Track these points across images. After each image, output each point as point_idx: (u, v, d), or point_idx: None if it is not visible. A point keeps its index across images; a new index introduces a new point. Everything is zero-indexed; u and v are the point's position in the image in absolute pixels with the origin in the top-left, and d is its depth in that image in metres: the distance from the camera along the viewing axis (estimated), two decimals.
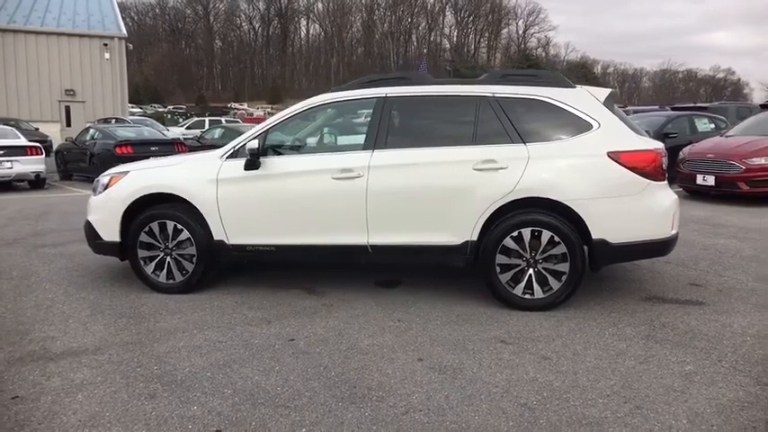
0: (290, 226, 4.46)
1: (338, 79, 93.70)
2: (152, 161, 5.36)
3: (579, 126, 4.16)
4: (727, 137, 10.02)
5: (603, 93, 4.32)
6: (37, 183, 12.36)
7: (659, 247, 4.19)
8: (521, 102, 4.24)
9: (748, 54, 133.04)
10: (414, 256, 4.40)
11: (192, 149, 13.05)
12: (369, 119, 4.45)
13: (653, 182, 4.08)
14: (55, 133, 22.03)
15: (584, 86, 4.36)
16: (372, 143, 4.36)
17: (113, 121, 21.11)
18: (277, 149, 4.62)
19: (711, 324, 3.95)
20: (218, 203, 4.50)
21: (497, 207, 4.13)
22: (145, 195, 4.64)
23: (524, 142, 4.17)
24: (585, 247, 4.15)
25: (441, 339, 3.75)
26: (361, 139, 4.52)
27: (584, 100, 4.22)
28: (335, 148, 5.04)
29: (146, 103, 60.05)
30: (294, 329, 3.95)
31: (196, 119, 30.81)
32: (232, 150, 4.59)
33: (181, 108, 55.89)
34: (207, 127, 24.70)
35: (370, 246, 4.36)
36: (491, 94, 4.29)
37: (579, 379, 3.18)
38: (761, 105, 15.90)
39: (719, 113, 14.14)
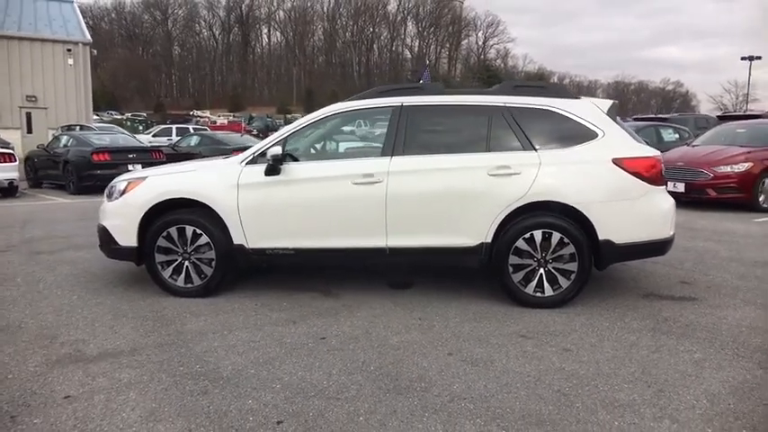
0: (310, 229, 4.61)
1: (299, 87, 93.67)
2: (167, 167, 5.42)
3: (585, 134, 4.46)
4: (693, 146, 10.64)
5: (606, 104, 4.65)
6: (9, 191, 12.05)
7: (659, 247, 4.52)
8: (531, 111, 4.52)
9: (695, 67, 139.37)
10: (430, 257, 4.61)
11: (169, 157, 12.95)
12: (386, 127, 4.65)
13: (653, 186, 4.42)
14: (16, 140, 21.35)
15: (588, 98, 4.68)
16: (391, 150, 4.56)
17: (78, 128, 20.64)
18: (296, 156, 4.77)
19: (708, 317, 4.29)
20: (238, 208, 4.61)
21: (511, 210, 4.39)
22: (164, 201, 4.71)
23: (535, 149, 4.45)
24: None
25: (464, 335, 3.96)
26: (377, 146, 4.72)
27: (589, 110, 4.53)
28: (354, 155, 5.22)
29: (102, 110, 58.57)
30: (321, 329, 4.10)
31: (162, 126, 30.35)
32: (252, 156, 4.72)
33: (140, 115, 54.77)
34: (174, 134, 24.44)
35: (389, 248, 4.55)
36: (503, 104, 4.56)
37: (602, 367, 3.44)
38: (718, 117, 16.84)
39: (681, 124, 14.92)
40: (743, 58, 46.13)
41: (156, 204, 4.73)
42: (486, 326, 4.14)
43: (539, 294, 4.47)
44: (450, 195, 4.45)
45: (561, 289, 4.44)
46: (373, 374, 3.37)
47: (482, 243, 4.46)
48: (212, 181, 4.72)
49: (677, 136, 13.09)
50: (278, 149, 4.54)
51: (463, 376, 3.34)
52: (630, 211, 4.38)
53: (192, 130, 23.82)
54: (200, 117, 56.03)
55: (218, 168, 4.88)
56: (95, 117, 43.09)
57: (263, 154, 4.65)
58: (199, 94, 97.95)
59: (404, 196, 4.48)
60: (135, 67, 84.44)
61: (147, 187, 4.81)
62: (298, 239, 4.64)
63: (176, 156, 13.56)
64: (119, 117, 51.60)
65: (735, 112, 29.22)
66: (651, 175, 4.41)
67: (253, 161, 4.71)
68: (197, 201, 4.68)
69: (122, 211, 4.83)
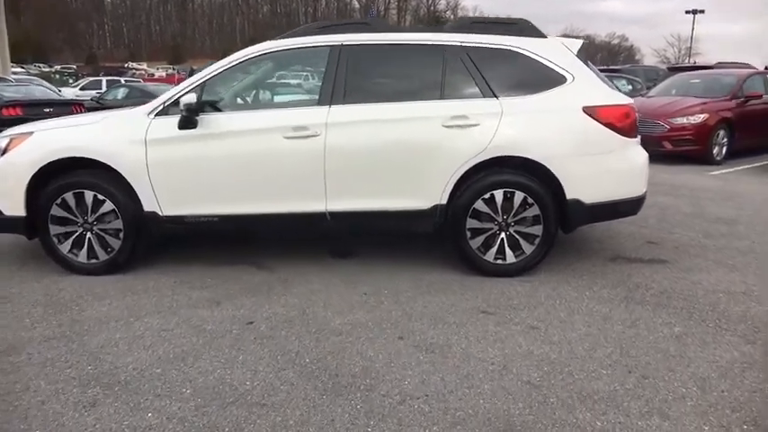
0: (236, 193, 3.92)
1: (243, 38, 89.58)
2: (61, 120, 4.54)
3: (553, 79, 3.89)
4: (648, 97, 10.32)
5: (576, 44, 4.07)
6: None
7: (632, 206, 4.07)
8: (492, 52, 3.90)
9: (639, 21, 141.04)
10: (378, 222, 4.00)
11: (92, 111, 11.73)
12: (323, 70, 3.94)
13: (627, 138, 3.92)
14: None
15: (555, 37, 4.09)
16: (329, 98, 3.87)
17: None
18: (216, 105, 4.01)
19: (681, 282, 3.90)
20: (148, 169, 3.86)
21: (469, 167, 3.82)
22: (56, 161, 3.90)
23: (496, 96, 3.86)
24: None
25: (417, 313, 3.42)
26: (313, 93, 4.01)
27: (557, 51, 3.95)
28: (286, 104, 4.50)
29: (28, 63, 54.28)
30: (250, 310, 3.48)
31: (90, 79, 28.18)
32: (162, 106, 3.94)
33: (70, 68, 51.06)
34: (104, 87, 22.66)
35: (329, 213, 3.92)
36: (459, 44, 3.92)
37: (575, 349, 2.98)
38: (668, 68, 16.69)
39: (632, 75, 14.65)
40: (687, 12, 46.69)
41: (47, 165, 3.92)
42: (441, 300, 3.61)
43: (500, 261, 3.96)
44: (399, 151, 3.84)
45: (524, 255, 3.95)
46: (308, 369, 2.79)
47: (436, 205, 3.89)
48: (114, 136, 3.93)
49: (630, 87, 12.80)
50: (192, 97, 3.78)
51: (416, 367, 2.80)
52: (602, 166, 3.88)
53: (123, 82, 22.11)
54: (137, 69, 52.72)
55: (122, 121, 4.08)
56: (20, 69, 39.83)
57: (176, 103, 3.88)
58: (135, 45, 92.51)
59: (345, 152, 3.83)
60: (61, 15, 78.55)
61: (34, 144, 3.98)
62: (221, 205, 3.94)
63: (100, 110, 12.33)
64: (47, 70, 47.90)
65: (681, 64, 29.46)
66: (625, 125, 3.90)
67: (163, 112, 3.93)
68: (96, 160, 3.90)
69: (4, 174, 3.99)
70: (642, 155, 4.04)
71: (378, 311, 3.46)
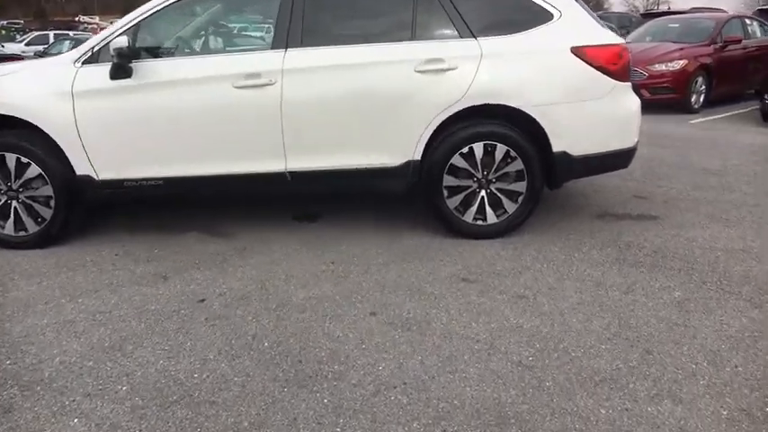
0: (182, 152, 3.44)
1: None
2: None
3: (538, 15, 3.46)
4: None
5: None
6: None
7: (624, 159, 3.72)
8: None
9: None
10: (344, 182, 3.58)
11: None
12: (278, 9, 3.42)
13: (619, 83, 3.53)
14: None
15: None
16: (284, 40, 3.38)
17: None
18: (154, 51, 3.48)
19: (675, 240, 3.61)
20: (77, 126, 3.35)
21: (445, 118, 3.40)
22: None
23: (475, 37, 3.41)
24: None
25: (391, 284, 3.06)
26: (267, 35, 3.50)
27: None
28: (235, 48, 3.97)
29: None
30: (201, 286, 3.07)
31: (37, 33, 26.45)
32: (90, 52, 3.39)
33: (17, 23, 48.08)
34: (51, 41, 21.29)
35: (290, 172, 3.48)
36: None
37: (568, 321, 2.66)
38: (642, 14, 16.28)
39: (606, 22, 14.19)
40: None
41: None
42: (417, 268, 3.24)
43: (480, 222, 3.60)
44: (366, 100, 3.39)
45: (507, 214, 3.59)
46: (267, 355, 2.41)
47: (409, 161, 3.48)
48: (34, 88, 3.38)
49: None
50: (123, 41, 3.24)
51: (392, 349, 2.45)
52: (592, 114, 3.50)
53: (71, 36, 20.77)
54: (88, 23, 49.91)
55: (43, 70, 3.53)
56: None
57: (107, 48, 3.33)
58: None
59: (305, 103, 3.37)
60: None
61: None
62: (166, 166, 3.46)
63: None
64: None
65: (654, 10, 29.04)
66: (617, 67, 3.51)
67: (92, 59, 3.39)
68: (15, 117, 3.36)
69: None
70: (635, 101, 3.67)
71: (346, 283, 3.08)
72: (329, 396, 2.14)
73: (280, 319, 2.71)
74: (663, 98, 8.61)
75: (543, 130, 3.44)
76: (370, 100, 3.39)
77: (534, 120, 3.42)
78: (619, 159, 3.70)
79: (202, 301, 2.90)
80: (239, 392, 2.17)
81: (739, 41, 9.39)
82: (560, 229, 3.80)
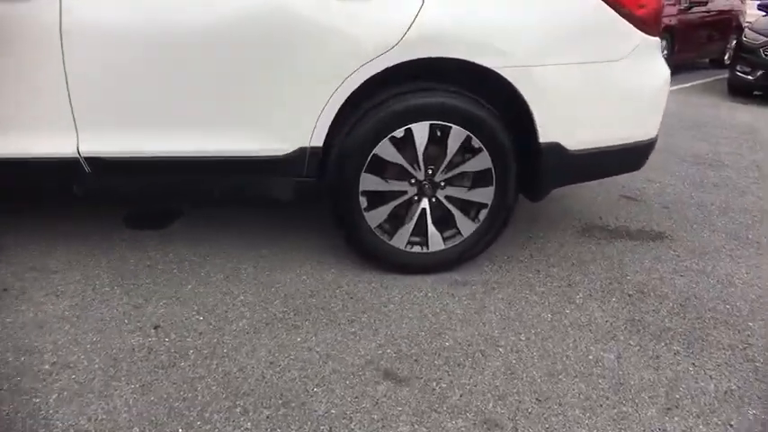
0: None
1: None
2: None
3: None
4: None
5: None
6: None
7: (637, 158, 2.44)
8: None
9: None
10: (183, 179, 2.10)
11: None
12: None
13: (647, 38, 2.20)
14: None
15: None
16: None
17: None
18: None
19: (704, 282, 2.39)
20: None
21: (367, 77, 1.96)
22: None
23: None
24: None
25: (246, 390, 1.66)
26: None
27: None
28: None
29: None
30: None
31: None
32: None
33: None
34: None
35: (85, 158, 1.96)
36: None
37: None
38: None
39: None
40: None
41: None
42: (303, 346, 1.86)
43: (418, 249, 2.25)
44: (224, 41, 1.89)
45: (460, 238, 2.26)
46: None
47: (303, 149, 2.04)
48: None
49: None
50: None
51: None
52: (603, 84, 2.16)
53: None
54: None
55: None
56: None
57: None
58: None
59: (105, 37, 1.83)
60: None
61: None
62: None
63: None
64: None
65: None
66: (647, 12, 2.17)
67: None
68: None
69: None
70: (664, 70, 2.34)
71: (180, 367, 1.65)
72: None
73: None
74: None
75: (527, 106, 2.07)
76: (230, 41, 1.89)
77: (512, 87, 2.04)
78: (631, 157, 2.41)
79: None
80: None
81: (705, 3, 8.37)
82: (534, 257, 2.51)
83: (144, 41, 1.86)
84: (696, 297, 2.28)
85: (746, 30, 7.22)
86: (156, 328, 1.87)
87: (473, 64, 2.00)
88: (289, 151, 2.04)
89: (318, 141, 2.04)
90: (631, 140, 2.30)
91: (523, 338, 1.94)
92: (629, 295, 2.26)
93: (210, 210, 2.75)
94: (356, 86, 1.96)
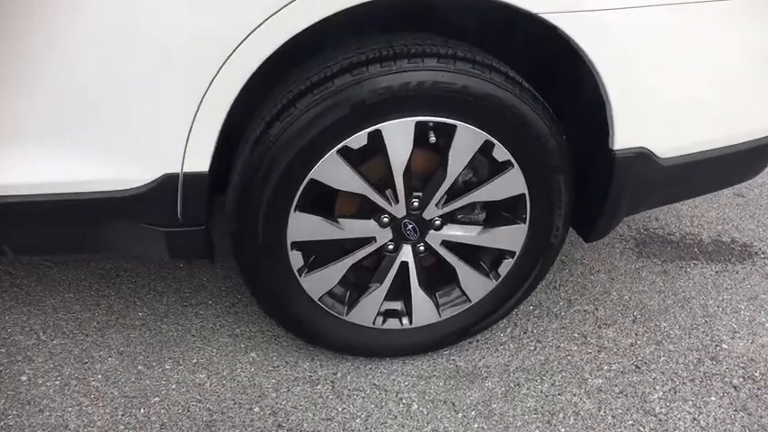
0: None
1: None
2: None
3: None
4: None
5: None
6: None
7: (756, 163, 1.48)
8: None
9: None
10: None
11: None
12: None
13: None
14: None
15: None
16: None
17: None
18: None
19: None
20: None
21: (281, 41, 0.95)
22: None
23: None
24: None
25: None
26: None
27: None
28: None
29: None
30: None
31: None
32: None
33: None
34: None
35: None
36: None
37: None
38: None
39: None
40: None
41: None
42: None
43: (395, 325, 1.33)
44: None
45: (466, 305, 1.33)
46: None
47: (171, 176, 1.06)
48: None
49: None
50: None
51: None
52: (716, 53, 1.18)
53: None
54: None
55: None
56: None
57: None
58: None
59: None
60: None
61: None
62: None
63: None
64: None
65: None
66: None
67: None
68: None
69: None
70: None
71: None
72: None
73: None
74: None
75: (595, 85, 1.10)
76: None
77: (573, 54, 1.06)
78: (746, 163, 1.45)
79: None
80: None
81: None
82: (574, 306, 1.61)
83: None
84: None
85: None
86: None
87: (500, 4, 1.00)
88: (147, 182, 1.05)
89: (199, 163, 1.05)
90: (749, 138, 1.35)
91: None
92: (735, 387, 1.40)
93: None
94: (263, 58, 0.95)
